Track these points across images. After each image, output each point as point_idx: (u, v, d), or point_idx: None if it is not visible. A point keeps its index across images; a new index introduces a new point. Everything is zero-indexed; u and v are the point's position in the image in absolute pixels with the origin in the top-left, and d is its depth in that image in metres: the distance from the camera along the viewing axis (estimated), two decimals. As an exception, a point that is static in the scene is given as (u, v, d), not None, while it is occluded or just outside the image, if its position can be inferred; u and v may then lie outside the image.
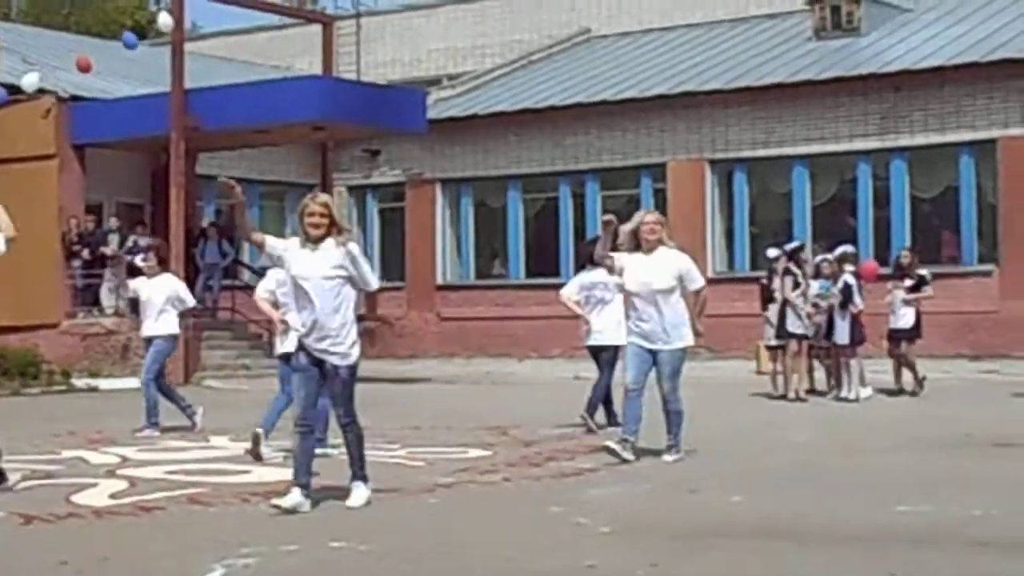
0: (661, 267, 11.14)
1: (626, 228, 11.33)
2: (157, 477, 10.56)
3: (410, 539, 7.89)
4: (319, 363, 8.86)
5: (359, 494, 9.00)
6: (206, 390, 21.45)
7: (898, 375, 18.71)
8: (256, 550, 7.37)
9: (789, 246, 19.15)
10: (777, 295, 18.11)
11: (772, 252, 18.90)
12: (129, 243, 25.78)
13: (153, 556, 7.39)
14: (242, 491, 9.66)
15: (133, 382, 22.82)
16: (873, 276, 18.92)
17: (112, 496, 9.55)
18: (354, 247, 8.94)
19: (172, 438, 13.73)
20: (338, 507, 9.05)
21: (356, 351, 8.92)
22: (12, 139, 25.02)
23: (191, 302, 14.99)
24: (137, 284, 14.81)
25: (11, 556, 7.47)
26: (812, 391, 18.32)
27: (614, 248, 11.22)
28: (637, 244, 11.23)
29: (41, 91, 25.17)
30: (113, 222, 26.19)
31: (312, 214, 8.82)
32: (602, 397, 14.11)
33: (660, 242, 11.22)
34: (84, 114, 25.47)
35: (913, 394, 18.28)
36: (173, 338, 14.76)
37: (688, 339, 11.37)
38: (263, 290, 12.38)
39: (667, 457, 11.29)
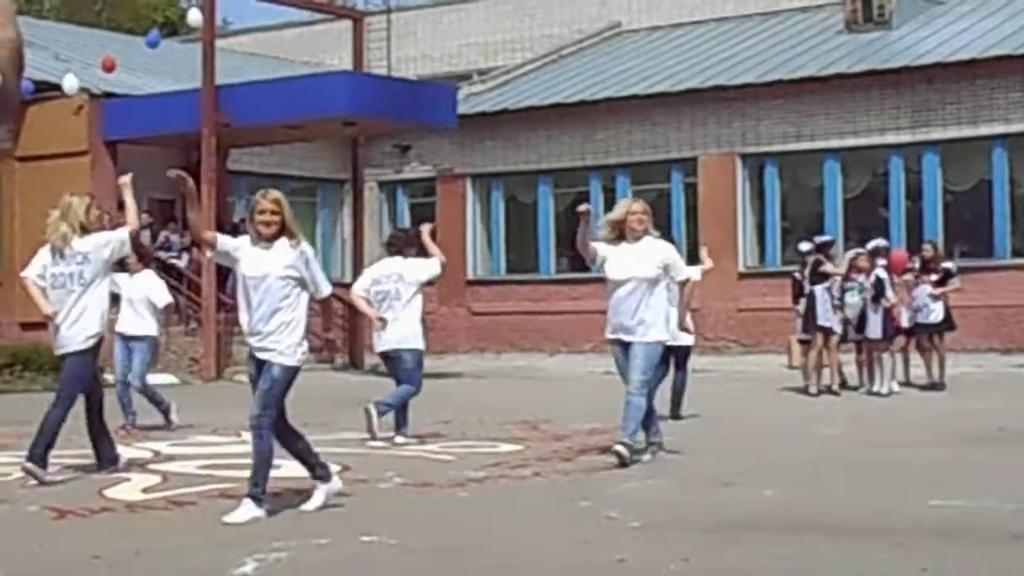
0: (646, 257, 10.83)
1: (610, 217, 11.10)
2: (189, 472, 10.60)
3: (441, 533, 7.90)
4: (261, 364, 8.50)
5: (243, 510, 8.31)
6: (237, 385, 21.48)
7: (929, 369, 18.65)
8: (287, 544, 7.39)
9: (819, 239, 19.14)
10: (806, 288, 18.10)
11: (804, 246, 18.88)
12: (161, 239, 25.90)
13: (185, 550, 7.42)
14: (273, 485, 9.67)
15: (166, 378, 22.94)
16: (903, 267, 18.86)
17: (144, 490, 9.59)
18: (308, 248, 8.64)
19: (203, 433, 13.77)
20: (369, 501, 9.07)
21: (299, 353, 8.49)
22: (44, 136, 25.15)
23: (164, 302, 14.73)
24: (120, 279, 14.36)
25: (44, 550, 7.51)
26: (844, 385, 18.27)
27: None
28: (620, 235, 10.96)
29: (72, 88, 25.30)
30: (145, 218, 26.24)
31: (263, 211, 8.47)
32: (681, 392, 14.70)
33: (646, 232, 10.95)
34: (116, 111, 25.57)
35: (940, 387, 18.23)
36: (155, 339, 14.72)
37: (663, 334, 10.89)
38: (360, 288, 12.79)
39: (645, 456, 10.94)
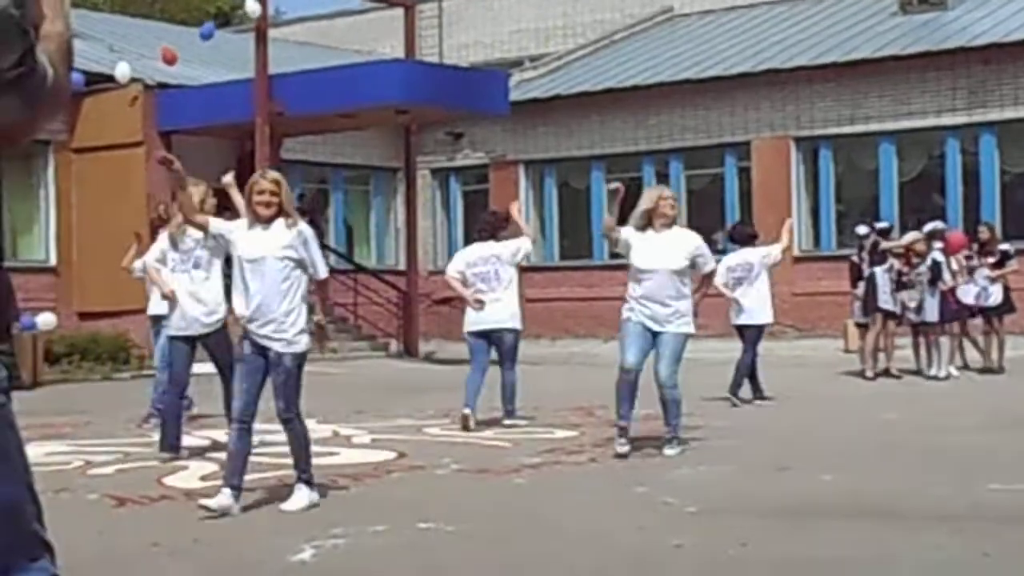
0: (676, 246, 10.72)
1: (643, 207, 10.88)
2: (246, 459, 10.64)
3: (497, 520, 7.91)
4: (263, 352, 8.31)
5: (299, 496, 8.37)
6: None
7: (987, 352, 18.50)
8: (345, 531, 7.42)
9: (878, 225, 19.05)
10: (865, 271, 17.99)
11: (862, 229, 18.79)
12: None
13: (243, 537, 7.46)
14: (330, 472, 9.73)
15: (205, 367, 23.06)
16: (961, 248, 18.68)
17: (203, 478, 9.65)
18: (306, 229, 8.50)
19: (258, 421, 13.80)
20: (426, 487, 9.10)
21: (304, 340, 8.36)
22: (100, 127, 25.31)
23: None
24: None
25: (104, 538, 7.57)
26: (905, 370, 18.15)
27: (622, 220, 10.85)
28: (647, 223, 10.84)
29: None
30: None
31: (262, 192, 8.35)
32: (747, 373, 14.88)
33: (674, 221, 10.91)
34: (170, 101, 25.72)
35: (1000, 371, 18.09)
36: None
37: (691, 326, 10.70)
38: (454, 270, 13.11)
39: (668, 451, 10.64)
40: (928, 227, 18.58)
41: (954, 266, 17.99)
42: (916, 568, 6.47)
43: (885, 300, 17.64)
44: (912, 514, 7.82)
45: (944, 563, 6.54)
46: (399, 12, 29.10)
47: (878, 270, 17.73)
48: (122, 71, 21.32)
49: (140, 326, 24.97)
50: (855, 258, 18.41)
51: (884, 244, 17.92)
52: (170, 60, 22.62)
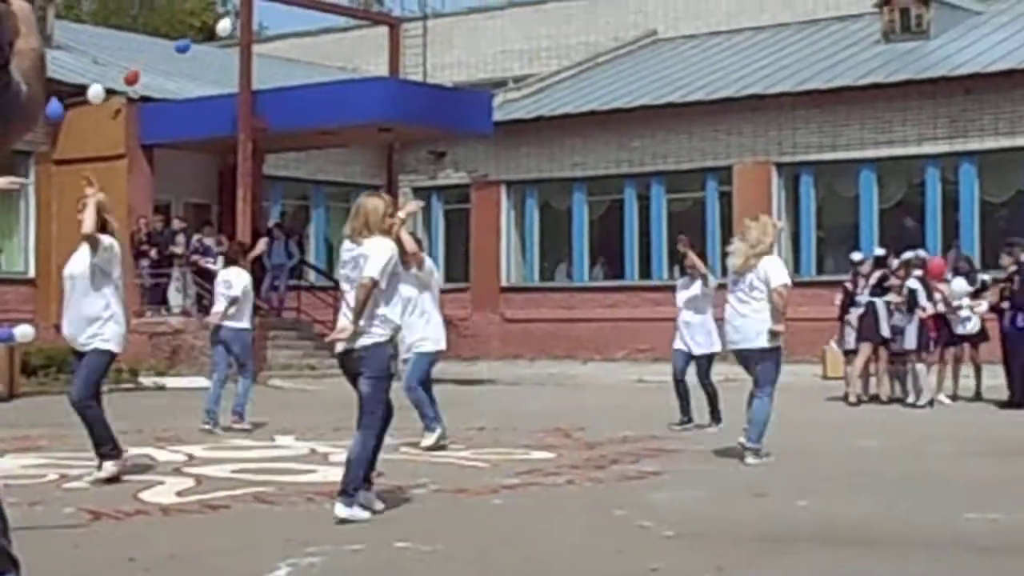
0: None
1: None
2: (223, 475, 10.62)
3: (474, 540, 7.90)
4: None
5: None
6: (272, 389, 21.57)
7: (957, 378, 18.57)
8: (321, 549, 7.40)
9: (877, 252, 19.15)
10: (860, 299, 17.99)
11: (856, 256, 18.86)
12: (194, 243, 25.99)
13: (219, 554, 7.44)
14: (308, 490, 9.71)
15: (200, 381, 22.97)
16: (942, 273, 18.70)
17: (179, 494, 9.62)
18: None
19: (237, 437, 13.80)
20: (403, 507, 9.08)
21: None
22: (82, 139, 25.29)
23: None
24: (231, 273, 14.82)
25: (80, 552, 7.54)
26: (892, 398, 18.17)
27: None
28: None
29: (111, 92, 25.43)
30: (176, 223, 26.38)
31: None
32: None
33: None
34: (153, 115, 25.71)
35: (978, 398, 18.17)
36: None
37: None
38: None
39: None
40: (905, 256, 18.64)
41: (937, 295, 18.02)
42: (891, 596, 6.47)
43: (885, 328, 17.70)
44: (888, 541, 7.83)
45: (919, 591, 6.55)
46: (384, 30, 29.18)
47: (879, 300, 17.77)
48: (95, 92, 21.26)
49: (118, 339, 24.97)
50: (848, 284, 18.38)
51: (889, 284, 17.89)
52: (132, 81, 22.57)
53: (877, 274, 18.10)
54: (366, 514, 8.38)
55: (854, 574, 6.91)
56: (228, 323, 14.41)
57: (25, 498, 8.99)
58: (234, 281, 14.46)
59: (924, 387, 17.67)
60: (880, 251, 19.46)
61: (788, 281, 11.65)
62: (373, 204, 9.00)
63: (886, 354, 17.90)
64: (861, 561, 7.24)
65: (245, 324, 14.53)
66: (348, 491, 8.31)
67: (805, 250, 27.16)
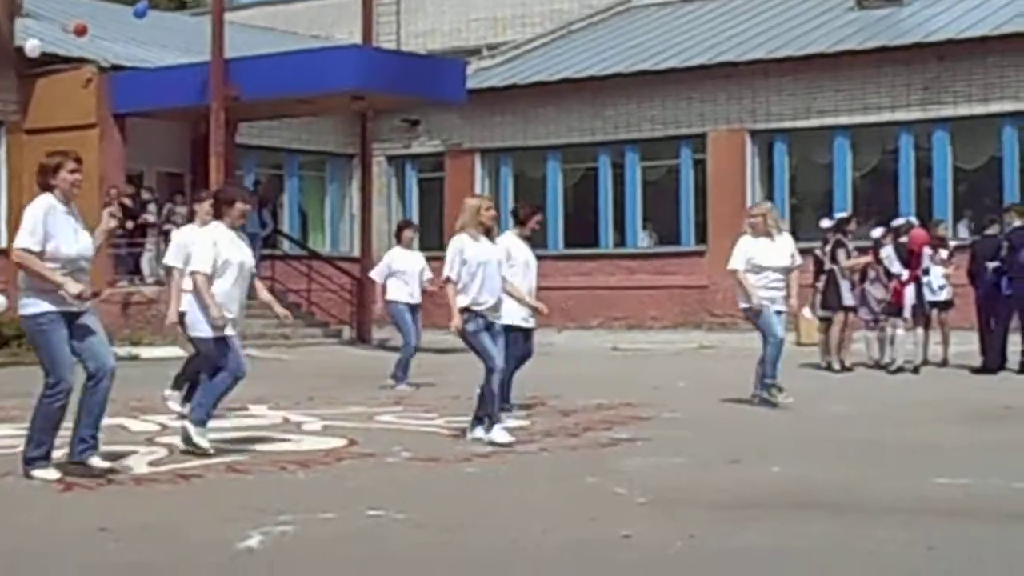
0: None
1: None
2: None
3: (447, 508, 7.90)
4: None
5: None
6: (248, 359, 21.48)
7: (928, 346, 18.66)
8: (293, 518, 7.40)
9: (837, 215, 19.17)
10: (826, 266, 18.07)
11: (825, 223, 18.90)
12: (166, 211, 25.88)
13: (191, 523, 7.42)
14: (280, 459, 9.70)
15: (174, 351, 22.91)
16: (924, 244, 18.67)
17: (151, 464, 9.59)
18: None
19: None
20: (376, 475, 9.08)
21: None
22: (53, 109, 25.14)
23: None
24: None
25: (51, 523, 7.51)
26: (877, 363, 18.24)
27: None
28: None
29: (82, 60, 25.26)
30: (145, 194, 26.24)
31: (489, 209, 10.91)
32: None
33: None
34: (124, 83, 25.55)
35: (944, 364, 18.27)
36: None
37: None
38: (740, 264, 13.76)
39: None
40: (898, 221, 18.76)
41: (926, 262, 18.08)
42: (863, 560, 6.50)
43: (847, 297, 17.78)
44: (859, 507, 7.86)
45: (890, 555, 6.58)
46: (357, -2, 28.98)
47: (836, 268, 17.84)
48: (31, 45, 20.99)
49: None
50: (819, 252, 18.42)
51: (845, 263, 17.92)
52: (80, 31, 22.32)
53: (833, 239, 18.14)
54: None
55: (826, 539, 6.94)
56: None
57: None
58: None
59: (899, 352, 17.75)
60: (841, 215, 19.47)
61: (732, 266, 13.70)
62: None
63: (849, 321, 17.96)
64: (833, 526, 7.27)
65: None
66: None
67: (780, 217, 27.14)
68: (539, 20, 35.60)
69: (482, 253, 10.78)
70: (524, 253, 12.25)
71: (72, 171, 8.93)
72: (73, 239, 8.78)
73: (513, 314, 11.79)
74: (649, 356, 21.55)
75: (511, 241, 12.10)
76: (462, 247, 10.77)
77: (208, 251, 10.03)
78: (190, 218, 13.20)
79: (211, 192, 12.63)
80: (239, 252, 10.17)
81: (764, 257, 13.61)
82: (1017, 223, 17.68)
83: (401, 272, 16.11)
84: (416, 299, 16.30)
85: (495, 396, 10.73)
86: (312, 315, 27.62)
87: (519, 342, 12.09)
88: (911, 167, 25.90)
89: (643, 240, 28.37)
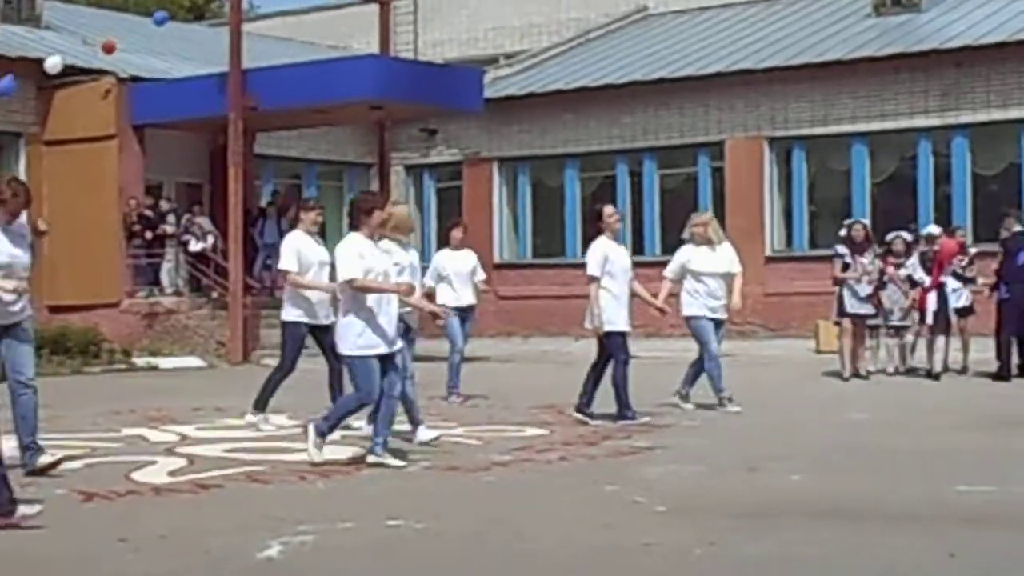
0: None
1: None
2: (215, 455, 10.61)
3: (467, 517, 7.90)
4: None
5: None
6: (264, 368, 21.50)
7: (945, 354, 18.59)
8: (313, 527, 7.40)
9: (925, 230, 19.08)
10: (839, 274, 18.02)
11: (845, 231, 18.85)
12: (184, 222, 25.94)
13: (211, 533, 7.43)
14: (299, 469, 9.70)
15: (193, 361, 22.97)
16: (953, 255, 18.52)
17: (171, 474, 9.61)
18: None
19: (230, 416, 13.78)
20: (395, 484, 9.08)
21: None
22: (72, 120, 25.22)
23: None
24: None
25: (71, 533, 7.53)
26: (883, 371, 18.17)
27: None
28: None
29: (101, 72, 25.33)
30: (164, 204, 26.28)
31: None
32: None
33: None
34: (143, 95, 25.62)
35: (964, 372, 18.19)
36: None
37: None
38: (671, 271, 14.39)
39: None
40: (930, 229, 18.72)
41: (953, 271, 18.05)
42: (883, 568, 6.48)
43: (853, 305, 17.67)
44: (879, 514, 7.84)
45: (910, 563, 6.56)
46: (374, 7, 29.06)
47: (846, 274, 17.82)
48: (52, 63, 21.07)
49: (111, 320, 24.99)
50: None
51: (840, 276, 17.82)
52: (109, 50, 22.42)
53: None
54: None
55: (847, 548, 6.92)
56: None
57: (17, 479, 8.97)
58: None
59: (937, 360, 17.69)
60: (848, 221, 19.28)
61: (665, 272, 14.62)
62: None
63: (858, 330, 17.89)
64: (854, 535, 7.25)
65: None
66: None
67: (797, 224, 27.14)
68: (556, 29, 35.65)
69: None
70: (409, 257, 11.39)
71: None
72: None
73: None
74: (667, 364, 21.52)
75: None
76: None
77: (355, 262, 9.69)
78: (293, 225, 13.03)
79: (318, 201, 12.75)
80: (384, 261, 9.99)
81: (703, 264, 14.00)
82: (1016, 228, 17.67)
83: (450, 275, 15.41)
84: (464, 302, 15.50)
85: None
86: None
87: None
88: (929, 174, 25.84)
89: (660, 248, 28.32)
